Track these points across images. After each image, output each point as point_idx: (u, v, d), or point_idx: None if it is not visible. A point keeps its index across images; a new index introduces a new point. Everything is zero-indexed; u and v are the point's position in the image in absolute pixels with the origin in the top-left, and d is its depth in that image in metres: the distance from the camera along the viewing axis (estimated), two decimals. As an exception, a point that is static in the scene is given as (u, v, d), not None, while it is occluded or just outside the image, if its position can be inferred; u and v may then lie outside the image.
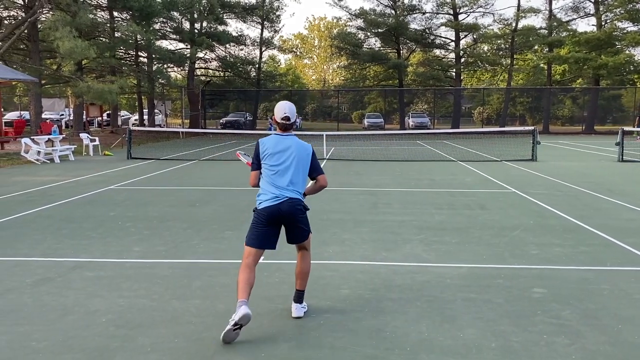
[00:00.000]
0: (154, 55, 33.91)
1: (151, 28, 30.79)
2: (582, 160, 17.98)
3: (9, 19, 28.54)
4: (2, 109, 26.85)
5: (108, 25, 30.69)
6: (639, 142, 27.65)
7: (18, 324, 4.15)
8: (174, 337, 3.91)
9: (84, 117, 32.57)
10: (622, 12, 40.63)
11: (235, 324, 3.76)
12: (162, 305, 4.56)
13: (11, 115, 37.30)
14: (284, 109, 4.20)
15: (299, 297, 4.35)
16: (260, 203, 4.16)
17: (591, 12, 42.45)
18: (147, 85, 34.73)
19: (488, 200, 9.76)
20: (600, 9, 41.11)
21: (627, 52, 41.93)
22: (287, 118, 4.19)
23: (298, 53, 62.05)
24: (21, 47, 29.48)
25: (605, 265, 5.71)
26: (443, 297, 4.74)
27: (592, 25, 43.44)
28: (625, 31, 40.91)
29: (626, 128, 20.04)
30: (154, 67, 34.73)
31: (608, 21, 41.58)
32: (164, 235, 7.03)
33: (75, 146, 19.54)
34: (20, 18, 26.31)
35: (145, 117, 39.28)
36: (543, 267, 5.64)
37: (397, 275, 5.35)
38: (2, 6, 26.01)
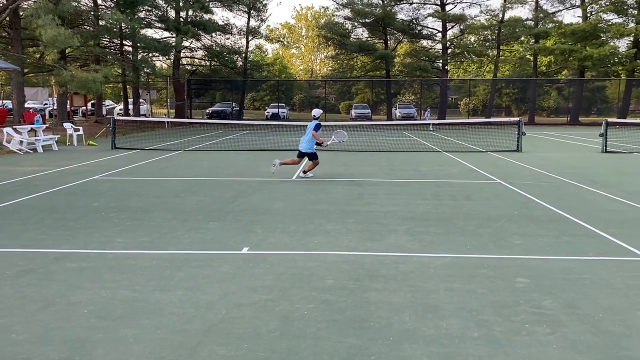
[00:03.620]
0: (138, 44, 33.44)
1: (136, 16, 30.39)
2: (567, 151, 18.14)
3: (-10, 6, 28.02)
4: (-16, 98, 26.39)
5: (92, 13, 30.28)
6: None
7: (-2, 316, 4.09)
8: (157, 329, 3.88)
9: (68, 106, 32.11)
10: (607, 3, 40.98)
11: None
12: (144, 296, 4.53)
13: (-7, 105, 36.69)
14: (314, 112, 11.91)
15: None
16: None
17: (577, 4, 42.72)
18: (132, 75, 34.32)
19: (473, 191, 9.82)
20: (586, 0, 41.32)
21: (611, 43, 42.22)
22: (314, 116, 11.71)
23: (285, 43, 61.63)
24: (3, 35, 28.98)
25: (588, 255, 5.76)
26: (427, 287, 4.76)
27: (578, 16, 44.06)
28: (610, 23, 41.24)
29: (610, 120, 20.24)
30: (139, 56, 34.26)
31: (593, 13, 41.86)
32: (148, 226, 6.97)
33: (59, 136, 19.29)
34: (1, 5, 25.82)
35: (130, 106, 38.89)
36: (526, 257, 5.68)
37: (381, 266, 5.36)
38: (-18, -7, 25.50)
